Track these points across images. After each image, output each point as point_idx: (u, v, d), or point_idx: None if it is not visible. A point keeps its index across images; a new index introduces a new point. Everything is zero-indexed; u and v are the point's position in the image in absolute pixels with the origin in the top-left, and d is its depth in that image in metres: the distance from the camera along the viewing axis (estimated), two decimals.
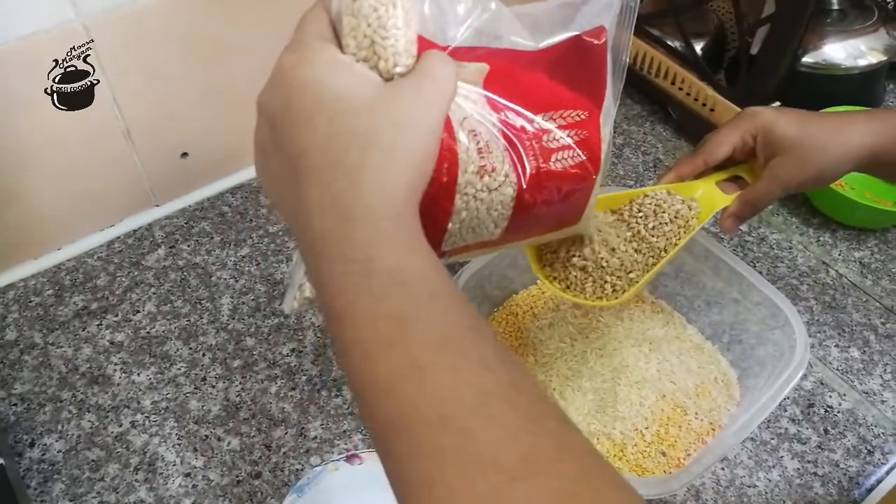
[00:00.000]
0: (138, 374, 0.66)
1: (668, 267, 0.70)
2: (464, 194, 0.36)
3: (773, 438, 0.63)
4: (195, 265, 0.75)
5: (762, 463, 0.62)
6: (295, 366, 0.67)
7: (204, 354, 0.68)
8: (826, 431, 0.64)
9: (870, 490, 0.61)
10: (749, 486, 0.60)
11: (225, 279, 0.74)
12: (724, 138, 0.56)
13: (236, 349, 0.68)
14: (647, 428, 0.61)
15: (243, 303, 0.72)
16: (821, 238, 0.79)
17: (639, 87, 0.95)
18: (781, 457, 0.62)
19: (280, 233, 0.79)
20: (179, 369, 0.67)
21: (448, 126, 0.35)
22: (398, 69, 0.32)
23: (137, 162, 0.74)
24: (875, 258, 0.77)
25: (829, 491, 0.60)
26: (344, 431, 0.63)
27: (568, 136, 0.41)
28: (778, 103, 0.83)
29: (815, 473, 0.61)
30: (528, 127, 0.39)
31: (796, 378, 0.56)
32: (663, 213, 0.56)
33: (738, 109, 0.83)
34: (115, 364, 0.67)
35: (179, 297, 0.72)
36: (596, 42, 0.41)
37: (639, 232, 0.55)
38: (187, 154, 0.77)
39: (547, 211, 0.42)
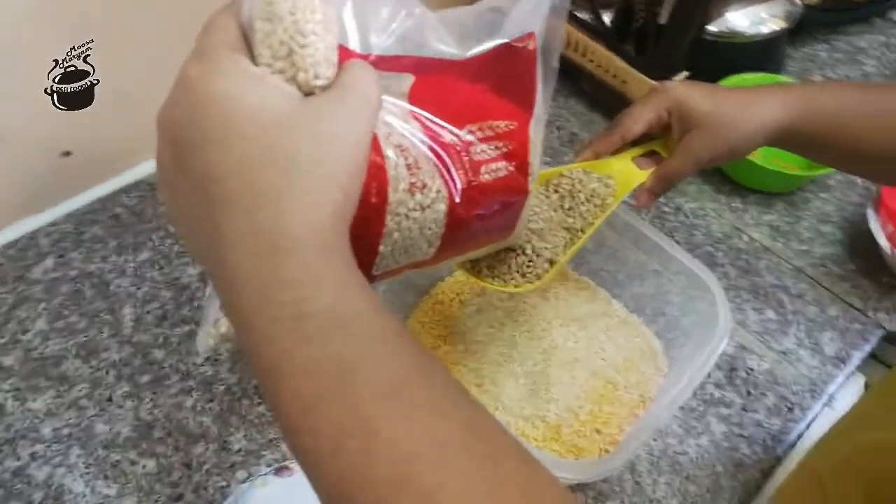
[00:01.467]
0: (34, 401, 0.60)
1: (590, 242, 0.70)
2: (395, 214, 0.34)
3: (699, 405, 0.64)
4: (89, 274, 0.69)
5: (691, 430, 0.63)
6: (211, 375, 0.63)
7: (107, 372, 0.63)
8: (748, 393, 0.65)
9: (792, 445, 0.63)
10: (681, 454, 0.61)
11: (125, 287, 0.68)
12: (639, 114, 0.55)
13: (144, 363, 0.63)
14: (580, 407, 0.61)
15: (148, 312, 0.67)
16: (732, 204, 0.81)
17: None
18: (709, 422, 0.63)
19: None
20: (81, 391, 0.61)
21: (374, 142, 0.32)
22: (318, 81, 0.28)
23: (10, 164, 0.67)
24: (784, 220, 0.80)
25: (754, 451, 0.62)
26: (270, 440, 0.59)
27: (494, 148, 0.39)
28: (686, 73, 0.84)
29: (741, 435, 0.63)
30: (456, 140, 0.37)
31: (721, 347, 0.57)
32: (579, 192, 0.55)
33: (649, 80, 0.83)
34: (6, 391, 0.61)
35: (74, 311, 0.66)
36: (525, 49, 0.39)
37: (555, 213, 0.54)
38: (70, 153, 0.70)
39: (481, 225, 0.40)
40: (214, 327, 0.35)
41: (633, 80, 0.85)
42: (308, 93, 0.28)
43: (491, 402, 0.60)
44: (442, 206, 0.36)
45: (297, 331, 0.25)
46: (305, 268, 0.26)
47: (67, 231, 0.72)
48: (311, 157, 0.26)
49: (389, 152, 0.33)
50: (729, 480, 0.60)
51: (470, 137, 0.38)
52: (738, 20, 0.87)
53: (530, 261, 0.51)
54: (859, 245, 0.77)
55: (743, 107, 0.52)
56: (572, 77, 0.93)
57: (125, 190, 0.76)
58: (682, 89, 0.54)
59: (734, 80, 0.85)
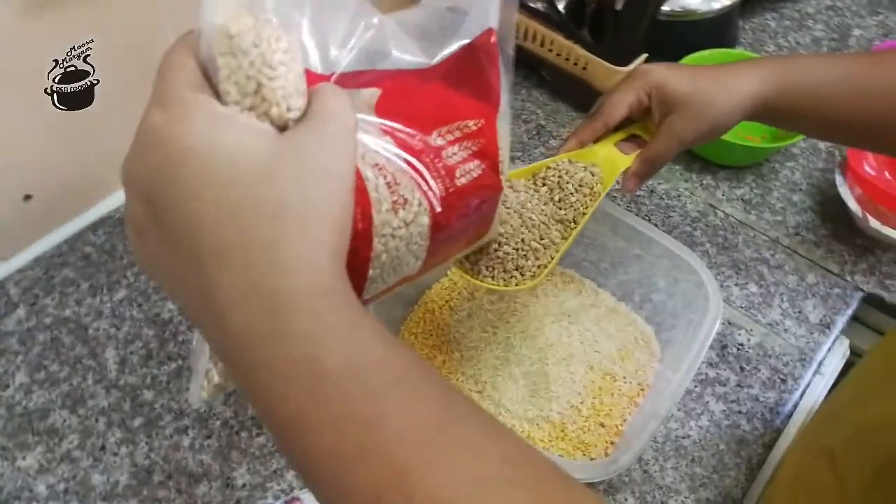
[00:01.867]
0: (24, 458, 0.58)
1: None
2: (381, 236, 0.33)
3: (696, 386, 0.65)
4: (65, 320, 0.67)
5: (691, 412, 0.64)
6: (206, 411, 0.61)
7: (97, 420, 0.61)
8: (742, 369, 0.66)
9: (789, 416, 0.64)
10: (683, 437, 0.62)
11: (104, 329, 0.66)
12: (620, 99, 0.56)
13: (134, 406, 0.62)
14: (582, 402, 0.61)
15: (131, 353, 0.65)
16: (704, 181, 0.82)
17: None
18: (707, 402, 0.64)
19: None
20: (72, 442, 0.59)
21: None
22: (292, 114, 0.27)
23: None
24: (754, 193, 0.81)
25: (755, 426, 0.63)
26: (274, 471, 0.58)
27: (465, 148, 0.38)
28: (644, 55, 0.84)
29: (740, 411, 0.64)
30: (427, 147, 0.36)
31: (714, 329, 0.58)
32: (567, 183, 0.55)
33: (610, 65, 0.83)
34: None
35: (54, 360, 0.64)
36: (487, 46, 0.39)
37: (546, 206, 0.54)
38: (31, 196, 0.68)
39: (461, 228, 0.40)
40: (206, 379, 0.34)
41: (594, 65, 0.85)
42: (282, 126, 0.27)
43: (493, 408, 0.60)
44: (425, 219, 0.35)
45: (315, 388, 0.24)
46: (313, 320, 0.25)
47: (37, 277, 0.69)
48: (301, 199, 0.25)
49: (368, 173, 0.32)
50: (733, 458, 0.61)
51: (440, 141, 0.37)
52: None
53: (527, 257, 0.52)
54: (830, 210, 0.79)
55: (720, 85, 0.53)
56: (533, 68, 0.93)
57: (91, 228, 0.73)
58: (660, 72, 0.55)
59: (694, 57, 0.86)
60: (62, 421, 0.60)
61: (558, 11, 0.88)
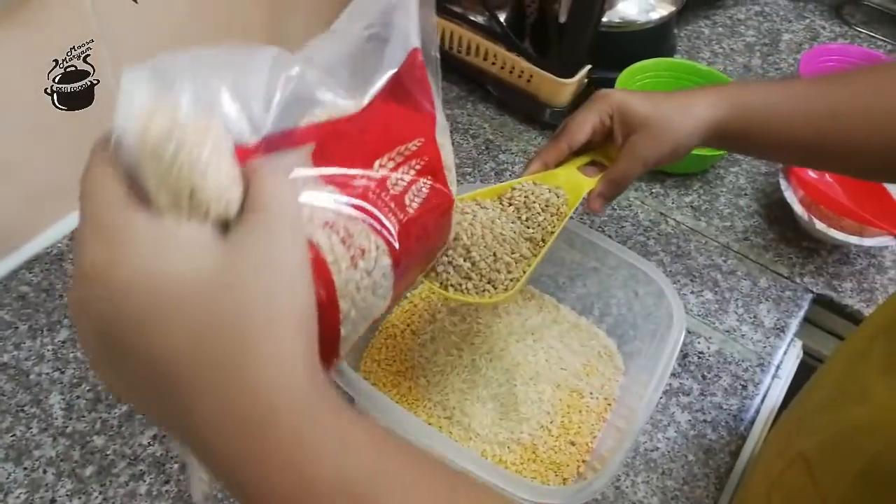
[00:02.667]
0: None
1: None
2: (345, 296, 0.32)
3: (661, 398, 0.66)
4: (4, 366, 0.62)
5: (658, 424, 0.64)
6: (161, 455, 0.58)
7: (45, 471, 0.57)
8: (704, 377, 0.67)
9: (752, 422, 0.66)
10: (652, 450, 0.62)
11: (47, 374, 0.62)
12: (583, 119, 0.57)
13: (84, 454, 0.58)
14: (551, 422, 0.61)
15: (78, 397, 0.61)
16: (653, 190, 0.83)
17: (452, 67, 0.93)
18: (673, 413, 0.65)
19: None
20: (18, 497, 0.55)
21: None
22: (231, 206, 0.26)
23: None
24: (702, 199, 0.82)
25: (720, 434, 0.64)
26: None
27: (409, 168, 0.38)
28: (589, 66, 0.85)
29: (705, 420, 0.65)
30: (371, 182, 0.35)
31: (681, 340, 0.58)
32: (534, 203, 0.56)
33: (555, 78, 0.84)
34: None
35: None
36: (413, 68, 0.38)
37: (514, 224, 0.54)
38: None
39: (421, 250, 0.40)
40: (206, 472, 0.32)
41: (539, 77, 0.86)
42: (224, 221, 0.26)
43: (464, 434, 0.59)
44: (386, 260, 0.35)
45: (310, 501, 0.24)
46: (297, 440, 0.24)
47: None
48: (263, 306, 0.24)
49: (319, 236, 0.31)
50: (702, 468, 0.61)
51: (383, 171, 0.36)
52: (628, 9, 0.89)
53: (499, 271, 0.51)
54: (775, 213, 0.81)
55: (679, 108, 0.54)
56: (477, 82, 0.92)
57: (27, 266, 0.69)
58: (620, 94, 0.56)
59: (635, 67, 0.87)
60: (6, 475, 0.56)
61: (500, 23, 0.88)
